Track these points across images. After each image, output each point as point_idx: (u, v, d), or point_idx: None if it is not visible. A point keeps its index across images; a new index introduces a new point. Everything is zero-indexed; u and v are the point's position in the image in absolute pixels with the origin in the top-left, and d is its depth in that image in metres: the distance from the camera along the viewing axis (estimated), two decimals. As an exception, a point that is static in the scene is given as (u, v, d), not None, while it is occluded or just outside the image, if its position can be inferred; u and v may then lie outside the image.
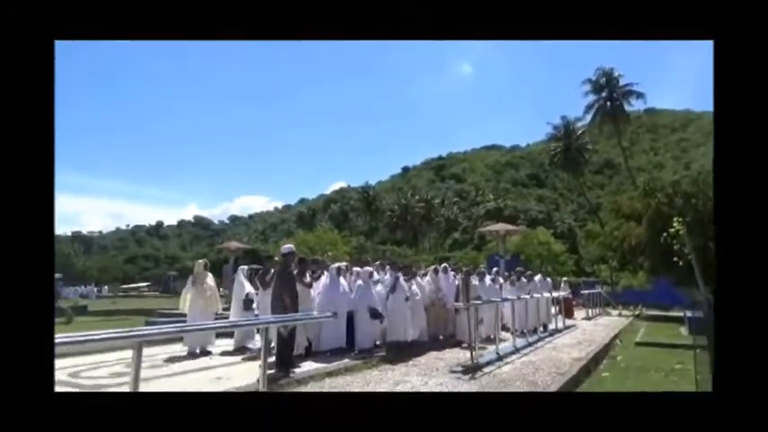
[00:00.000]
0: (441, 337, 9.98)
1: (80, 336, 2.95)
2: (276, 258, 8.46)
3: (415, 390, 5.80)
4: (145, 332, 2.95)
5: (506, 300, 9.93)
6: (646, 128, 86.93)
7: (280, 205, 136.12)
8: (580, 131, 54.12)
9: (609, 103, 49.84)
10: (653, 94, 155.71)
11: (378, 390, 5.77)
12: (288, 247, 7.26)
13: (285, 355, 6.45)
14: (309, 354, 7.63)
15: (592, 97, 50.58)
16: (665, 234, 9.04)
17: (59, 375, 6.53)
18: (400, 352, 8.09)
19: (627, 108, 50.76)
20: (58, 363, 7.13)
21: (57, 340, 2.66)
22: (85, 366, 6.62)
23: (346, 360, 7.36)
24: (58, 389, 5.72)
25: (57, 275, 27.17)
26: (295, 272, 7.15)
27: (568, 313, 15.13)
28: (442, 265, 10.96)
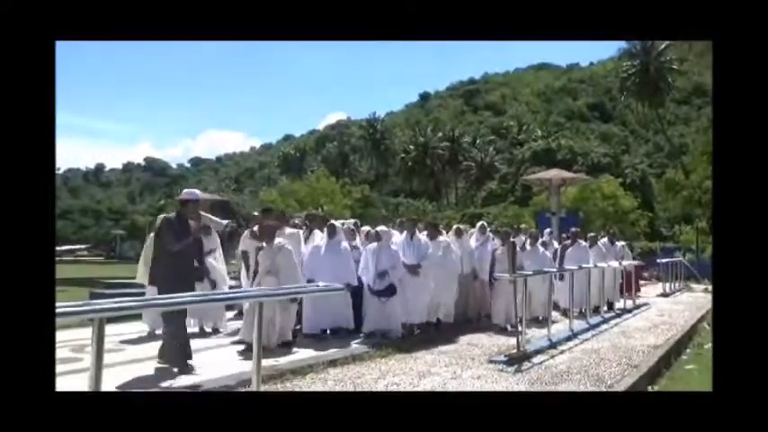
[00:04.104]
0: (471, 317, 10.15)
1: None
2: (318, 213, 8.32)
3: (445, 384, 5.95)
4: (105, 306, 3.02)
5: (563, 270, 10.00)
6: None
7: (258, 144, 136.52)
8: (663, 46, 52.87)
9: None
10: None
11: (399, 383, 5.93)
12: (190, 192, 6.81)
13: (176, 348, 6.18)
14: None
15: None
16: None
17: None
18: (411, 337, 8.24)
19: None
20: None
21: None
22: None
23: (354, 346, 7.54)
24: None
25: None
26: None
27: (630, 288, 14.07)
28: (479, 224, 11.00)
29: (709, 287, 20.16)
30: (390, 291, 8.22)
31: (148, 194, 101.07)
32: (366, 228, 9.39)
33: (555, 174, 20.24)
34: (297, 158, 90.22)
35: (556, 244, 12.40)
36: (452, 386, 5.87)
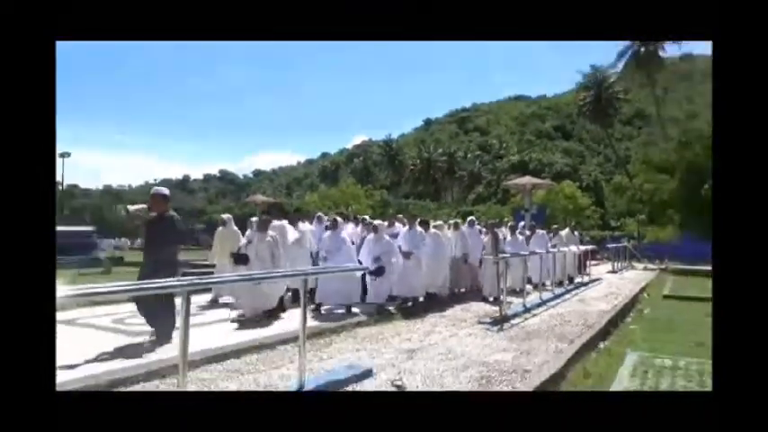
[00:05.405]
0: (463, 290, 10.07)
1: (130, 285, 3.09)
2: (358, 216, 7.92)
3: (445, 340, 5.93)
4: (194, 282, 3.05)
5: (534, 253, 9.92)
6: (681, 75, 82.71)
7: (302, 159, 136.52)
8: (611, 80, 51.93)
9: (642, 50, 47.49)
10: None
11: (410, 338, 5.93)
12: (154, 189, 5.82)
13: (164, 328, 5.37)
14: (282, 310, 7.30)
15: (624, 43, 48.16)
16: (705, 186, 8.79)
17: (105, 321, 6.86)
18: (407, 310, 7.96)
19: (661, 54, 48.30)
20: (104, 309, 7.47)
21: (104, 289, 2.74)
22: (128, 314, 6.81)
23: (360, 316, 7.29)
24: (103, 333, 5.97)
25: (91, 228, 28.03)
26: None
27: (585, 267, 14.04)
28: (469, 219, 10.98)
29: (648, 265, 19.74)
30: (380, 272, 7.91)
31: (222, 198, 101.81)
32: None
33: (527, 180, 19.99)
34: (332, 170, 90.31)
35: (528, 233, 12.32)
36: (452, 342, 5.84)
